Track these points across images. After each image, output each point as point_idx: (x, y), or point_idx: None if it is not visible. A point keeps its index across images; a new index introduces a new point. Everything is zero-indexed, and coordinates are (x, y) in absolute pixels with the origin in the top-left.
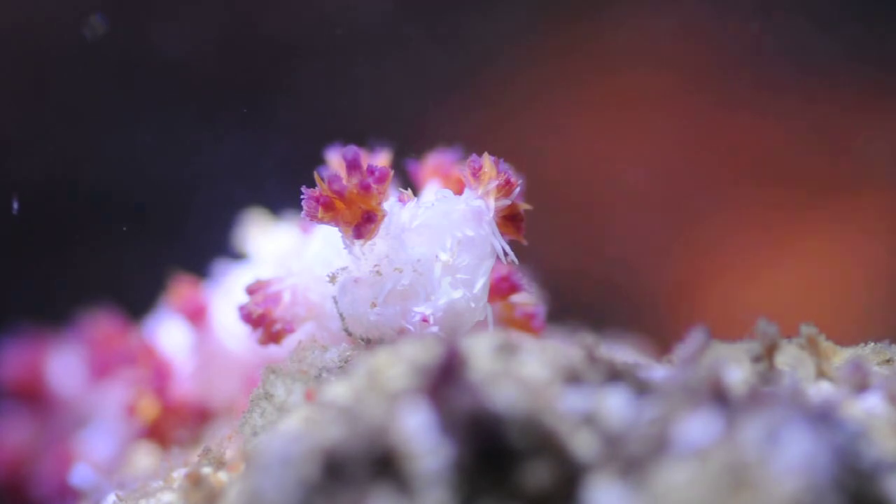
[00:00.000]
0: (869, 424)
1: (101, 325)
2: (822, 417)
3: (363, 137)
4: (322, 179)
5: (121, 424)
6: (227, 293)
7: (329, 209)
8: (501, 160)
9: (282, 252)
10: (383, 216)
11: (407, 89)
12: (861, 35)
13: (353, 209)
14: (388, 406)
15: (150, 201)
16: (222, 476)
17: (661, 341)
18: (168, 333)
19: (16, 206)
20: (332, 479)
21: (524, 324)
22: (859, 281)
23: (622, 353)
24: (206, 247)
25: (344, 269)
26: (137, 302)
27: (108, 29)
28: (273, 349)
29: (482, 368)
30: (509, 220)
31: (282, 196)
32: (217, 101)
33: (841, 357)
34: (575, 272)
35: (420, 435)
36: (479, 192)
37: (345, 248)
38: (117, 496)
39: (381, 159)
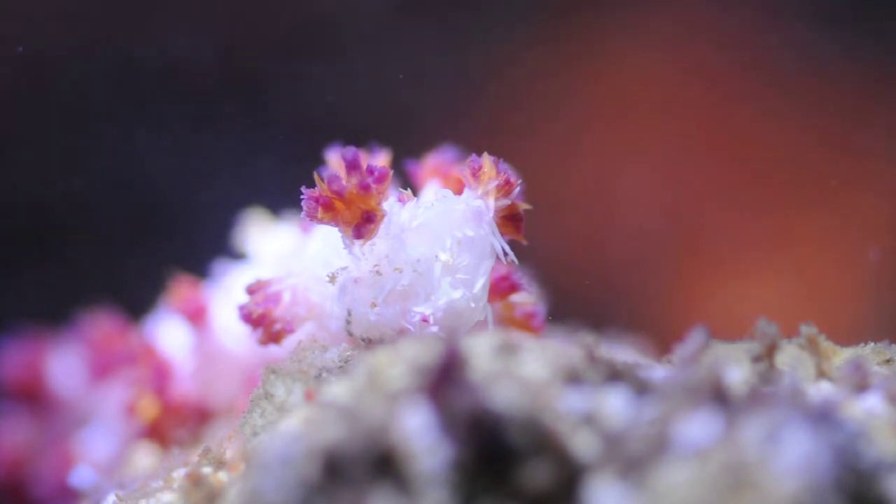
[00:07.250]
0: (869, 424)
1: (101, 325)
2: (822, 417)
3: (363, 137)
4: (322, 179)
5: (121, 424)
6: (227, 293)
7: (329, 209)
8: (501, 160)
9: (282, 252)
10: (383, 216)
11: (407, 89)
12: (861, 35)
13: (353, 209)
14: (387, 406)
15: (150, 201)
16: (222, 476)
17: (661, 341)
18: (168, 333)
19: None
20: (332, 479)
21: (524, 323)
22: (859, 281)
23: (622, 353)
24: (206, 247)
25: (344, 269)
26: (137, 302)
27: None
28: (273, 349)
29: (482, 368)
30: (509, 219)
31: (282, 196)
32: (217, 101)
33: (841, 357)
34: (575, 272)
35: (420, 435)
36: (479, 192)
37: (345, 248)
38: (117, 496)
39: (381, 159)
